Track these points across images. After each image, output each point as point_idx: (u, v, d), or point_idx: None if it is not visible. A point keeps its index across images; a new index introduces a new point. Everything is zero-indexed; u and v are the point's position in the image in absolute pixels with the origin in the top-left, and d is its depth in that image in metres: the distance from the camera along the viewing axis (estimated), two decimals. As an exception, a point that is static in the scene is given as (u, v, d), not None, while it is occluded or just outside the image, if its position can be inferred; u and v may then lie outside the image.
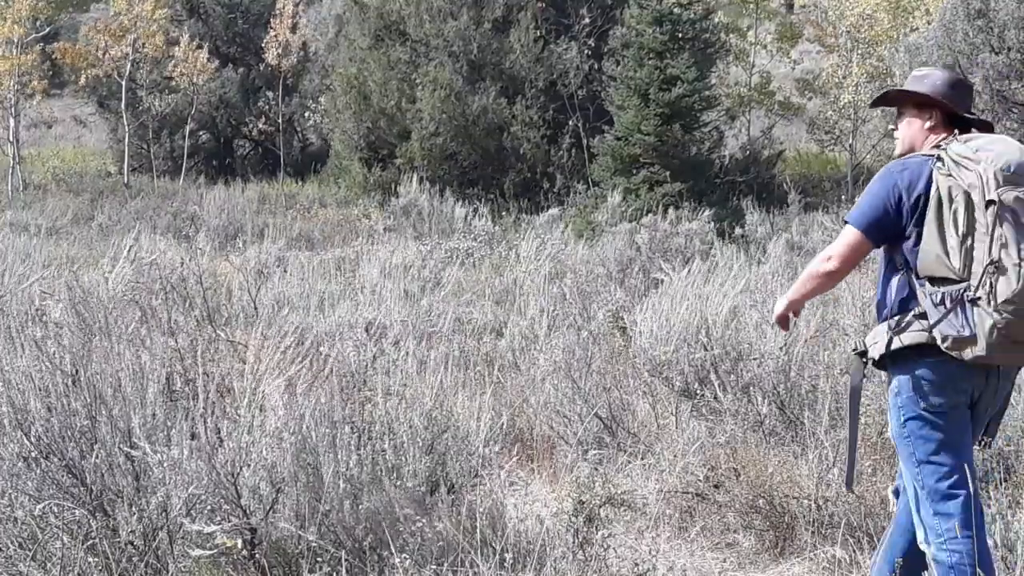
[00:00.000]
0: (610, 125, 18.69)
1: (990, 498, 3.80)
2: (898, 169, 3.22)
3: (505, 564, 3.56)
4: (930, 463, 3.13)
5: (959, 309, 3.02)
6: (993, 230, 2.98)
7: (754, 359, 5.38)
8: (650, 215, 15.46)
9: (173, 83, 24.04)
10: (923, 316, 3.12)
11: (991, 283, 2.98)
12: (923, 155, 3.23)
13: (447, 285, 9.68)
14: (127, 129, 23.18)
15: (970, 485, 3.10)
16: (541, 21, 20.44)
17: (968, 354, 3.03)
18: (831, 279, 3.33)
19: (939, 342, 3.07)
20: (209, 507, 3.53)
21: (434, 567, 3.52)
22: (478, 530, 3.62)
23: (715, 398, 5.13)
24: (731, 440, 4.66)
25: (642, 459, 5.11)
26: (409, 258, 11.16)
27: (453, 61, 20.24)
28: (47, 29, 25.47)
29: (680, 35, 18.12)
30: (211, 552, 3.44)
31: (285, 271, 10.96)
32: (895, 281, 3.23)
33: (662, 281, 6.96)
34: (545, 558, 3.66)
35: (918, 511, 3.17)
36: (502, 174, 19.99)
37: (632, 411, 5.51)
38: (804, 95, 25.34)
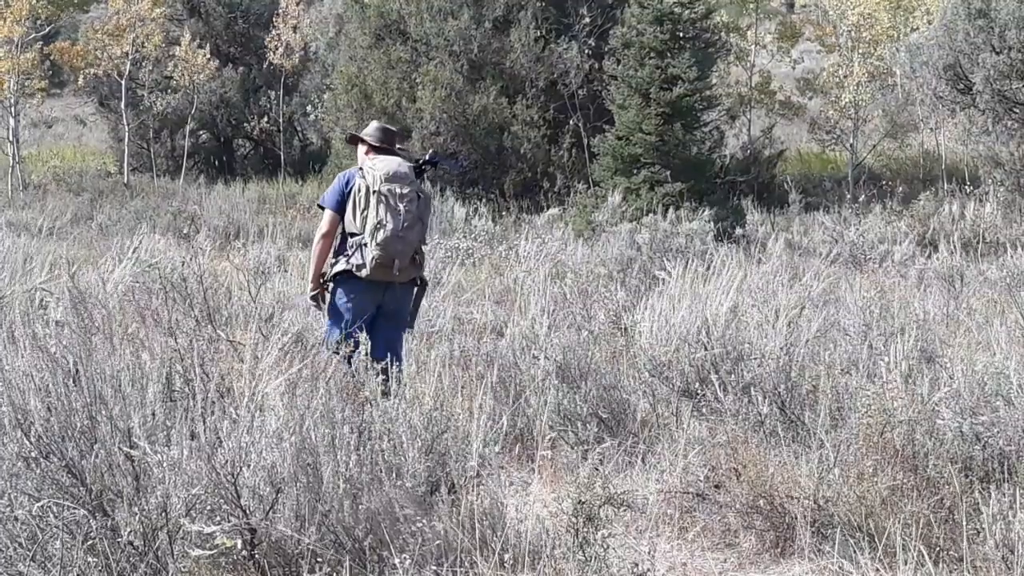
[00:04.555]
0: (611, 125, 18.68)
1: (990, 496, 3.79)
2: (344, 175, 5.69)
3: (505, 564, 3.56)
4: (334, 326, 5.49)
5: (359, 249, 5.43)
6: (377, 208, 5.41)
7: (754, 359, 5.38)
8: (651, 215, 15.48)
9: (173, 83, 24.04)
10: (346, 255, 5.48)
11: (373, 235, 5.39)
12: (359, 168, 5.65)
13: (447, 285, 9.68)
14: (127, 128, 23.18)
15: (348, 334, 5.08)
16: (541, 20, 20.43)
17: (363, 274, 5.43)
18: (326, 239, 5.60)
19: (351, 268, 5.45)
20: (209, 507, 3.53)
21: (434, 567, 3.52)
22: (478, 530, 3.62)
23: (716, 398, 5.13)
24: (731, 440, 4.65)
25: (642, 459, 5.11)
26: (409, 258, 11.10)
27: (453, 60, 20.23)
28: (47, 29, 25.47)
29: (681, 34, 18.13)
30: (211, 552, 3.43)
31: (285, 271, 10.97)
32: (339, 237, 5.60)
33: (665, 281, 6.95)
34: (545, 558, 3.66)
35: (327, 342, 5.43)
36: (502, 174, 19.98)
37: (632, 411, 5.51)
38: (805, 95, 25.35)
